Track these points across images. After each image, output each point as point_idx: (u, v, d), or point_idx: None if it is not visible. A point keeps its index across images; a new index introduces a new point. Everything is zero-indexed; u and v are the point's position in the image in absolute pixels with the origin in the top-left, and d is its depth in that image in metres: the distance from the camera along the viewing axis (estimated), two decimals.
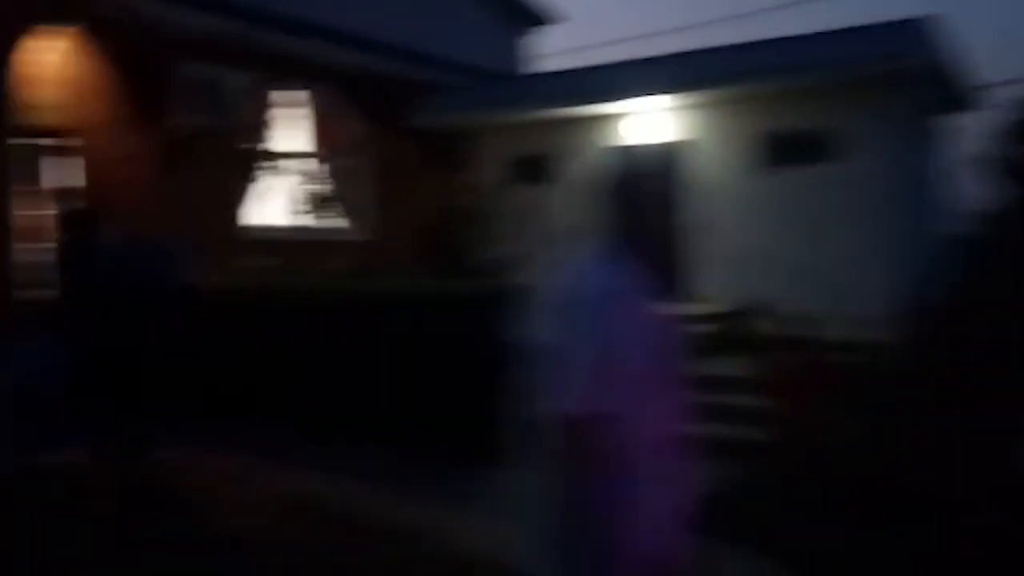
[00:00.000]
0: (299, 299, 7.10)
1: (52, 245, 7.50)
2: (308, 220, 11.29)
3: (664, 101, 10.89)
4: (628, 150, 11.19)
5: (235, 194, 10.84)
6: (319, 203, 10.98)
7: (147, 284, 5.58)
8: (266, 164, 10.62)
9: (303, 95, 11.64)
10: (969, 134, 10.99)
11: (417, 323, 5.87)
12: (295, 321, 7.12)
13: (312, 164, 11.66)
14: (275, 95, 10.87)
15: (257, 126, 10.67)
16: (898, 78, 9.50)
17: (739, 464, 5.52)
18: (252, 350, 7.26)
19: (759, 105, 10.46)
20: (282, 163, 10.99)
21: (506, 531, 2.35)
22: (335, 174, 12.00)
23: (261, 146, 10.77)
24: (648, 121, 11.19)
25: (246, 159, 10.63)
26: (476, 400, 5.60)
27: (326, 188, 11.45)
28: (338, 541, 4.72)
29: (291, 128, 11.60)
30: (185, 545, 4.53)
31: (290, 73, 11.07)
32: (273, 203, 11.32)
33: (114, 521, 4.85)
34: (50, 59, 9.57)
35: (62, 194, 10.68)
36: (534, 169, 11.96)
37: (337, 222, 11.66)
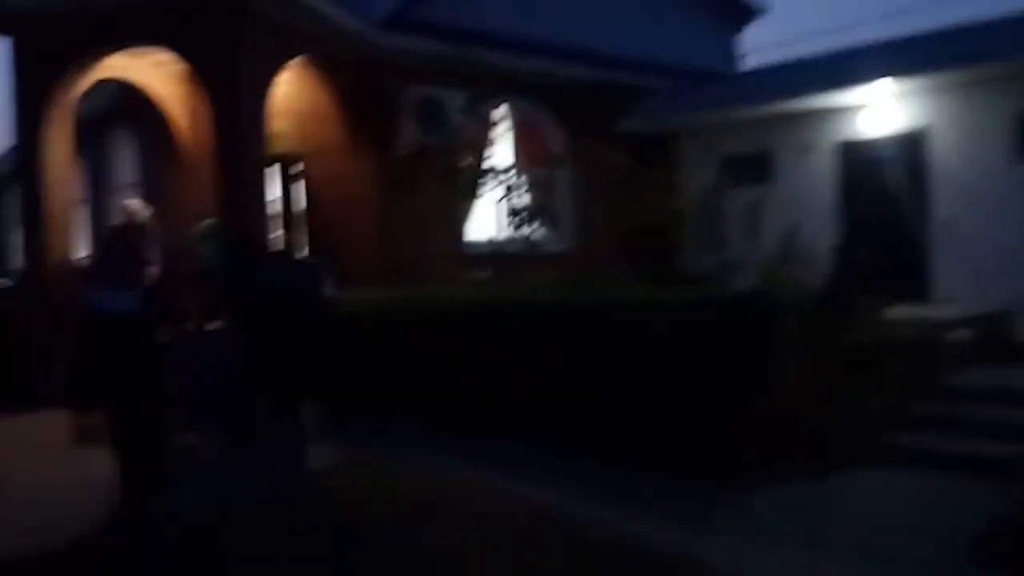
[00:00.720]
0: (518, 310, 7.13)
1: None
2: (516, 233, 11.45)
3: (899, 86, 9.94)
4: (858, 144, 10.36)
5: (454, 210, 11.21)
6: (527, 215, 11.08)
7: (294, 296, 6.20)
8: (483, 180, 10.87)
9: (507, 109, 11.84)
10: None
11: (644, 332, 5.65)
12: (513, 332, 7.16)
13: (517, 177, 11.81)
14: (487, 111, 11.13)
15: (475, 143, 10.96)
16: None
17: (1010, 487, 4.85)
18: (470, 360, 7.39)
19: (1013, 85, 9.29)
20: (493, 177, 11.21)
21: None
22: (539, 185, 12.08)
23: (479, 162, 11.05)
24: (879, 111, 10.29)
25: (465, 176, 10.95)
26: (709, 414, 5.31)
27: (532, 200, 11.55)
28: (596, 567, 4.43)
29: (498, 142, 11.84)
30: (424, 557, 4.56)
31: (499, 88, 11.30)
32: (486, 218, 11.60)
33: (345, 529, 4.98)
34: (283, 91, 10.44)
35: (292, 216, 11.60)
36: (751, 169, 11.38)
37: (544, 233, 11.72)
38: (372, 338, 7.69)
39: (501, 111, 11.52)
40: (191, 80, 11.20)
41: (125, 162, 12.90)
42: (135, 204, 8.58)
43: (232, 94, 8.58)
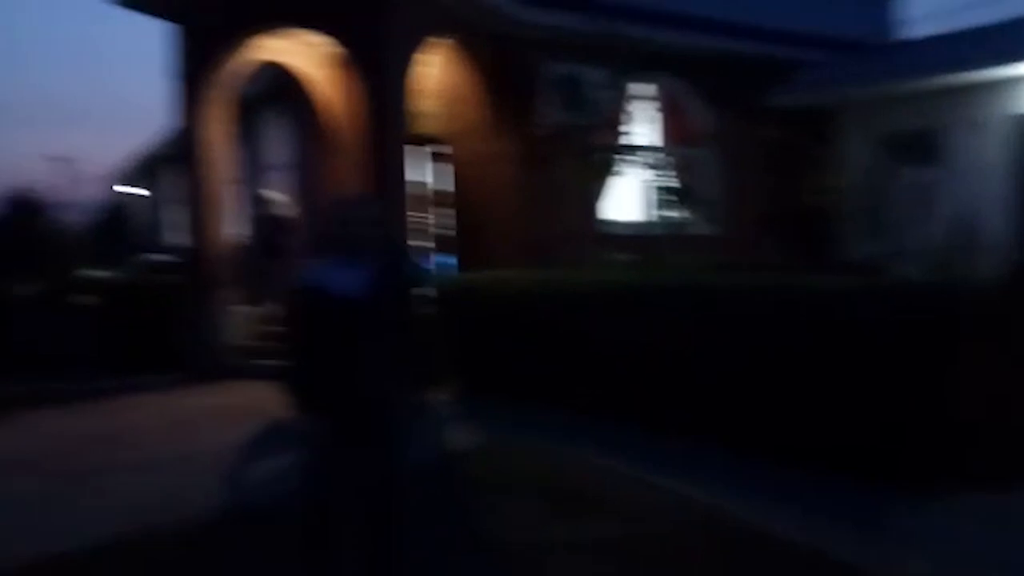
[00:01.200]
0: (668, 295, 6.86)
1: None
2: (659, 214, 11.11)
3: None
4: None
5: (594, 190, 11.00)
6: (672, 196, 10.72)
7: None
8: (624, 158, 10.59)
9: (652, 86, 11.46)
10: None
11: (816, 323, 5.27)
12: (663, 318, 6.90)
13: (662, 156, 11.44)
14: (629, 88, 10.81)
15: (616, 120, 10.69)
16: None
17: None
18: (613, 344, 7.19)
19: None
20: (635, 156, 10.90)
21: None
22: (684, 165, 11.66)
23: (619, 140, 10.78)
24: None
25: (606, 154, 10.71)
26: (894, 411, 4.91)
27: (677, 180, 11.16)
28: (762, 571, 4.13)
29: (641, 120, 11.50)
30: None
31: (643, 64, 10.94)
32: (626, 198, 11.31)
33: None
34: (426, 72, 10.49)
35: (438, 197, 11.72)
36: (916, 146, 10.57)
37: (688, 215, 11.33)
38: (509, 318, 7.64)
39: (644, 88, 11.17)
40: (339, 62, 11.49)
41: (278, 144, 13.38)
42: (272, 194, 8.98)
43: (376, 72, 8.70)
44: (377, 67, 8.68)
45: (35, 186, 15.61)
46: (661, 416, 6.29)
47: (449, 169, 11.46)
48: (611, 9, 10.05)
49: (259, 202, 9.74)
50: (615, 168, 10.69)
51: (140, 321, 10.30)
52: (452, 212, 11.46)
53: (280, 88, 12.43)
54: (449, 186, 11.50)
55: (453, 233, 11.42)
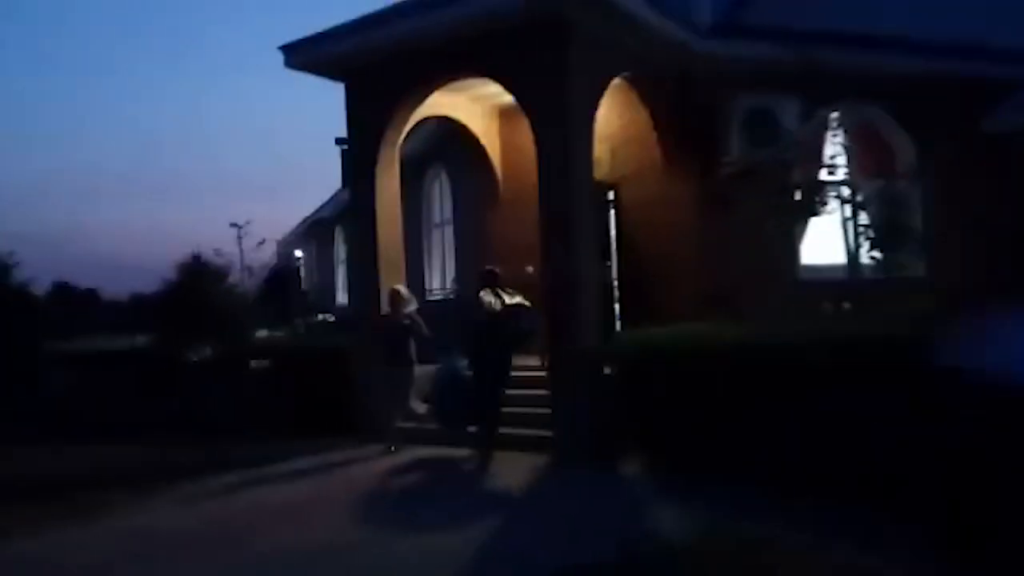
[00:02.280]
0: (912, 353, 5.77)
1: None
2: (866, 256, 9.87)
3: None
4: None
5: (789, 231, 9.95)
6: (879, 236, 9.48)
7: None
8: (823, 195, 9.50)
9: (851, 115, 10.31)
10: None
11: None
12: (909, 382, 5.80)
13: (861, 191, 10.22)
14: (827, 118, 9.75)
15: (812, 154, 9.65)
16: None
17: None
18: (818, 414, 6.13)
19: None
20: (835, 192, 9.77)
21: None
22: (888, 200, 10.37)
23: (817, 176, 9.72)
24: None
25: (800, 193, 9.67)
26: None
27: (883, 217, 9.90)
28: None
29: (838, 153, 10.35)
30: None
31: (836, 91, 9.86)
32: (824, 239, 10.14)
33: None
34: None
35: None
36: None
37: (898, 256, 10.00)
38: (705, 380, 6.75)
39: (842, 117, 10.05)
40: (508, 114, 11.16)
41: (441, 200, 13.17)
42: (402, 289, 8.64)
43: (559, 119, 8.10)
44: (560, 114, 8.08)
45: (208, 251, 16.33)
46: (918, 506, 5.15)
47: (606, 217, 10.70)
48: (807, 36, 9.12)
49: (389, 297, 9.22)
50: (814, 206, 9.60)
51: (313, 384, 10.09)
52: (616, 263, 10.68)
53: (444, 144, 12.25)
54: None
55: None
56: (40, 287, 17.86)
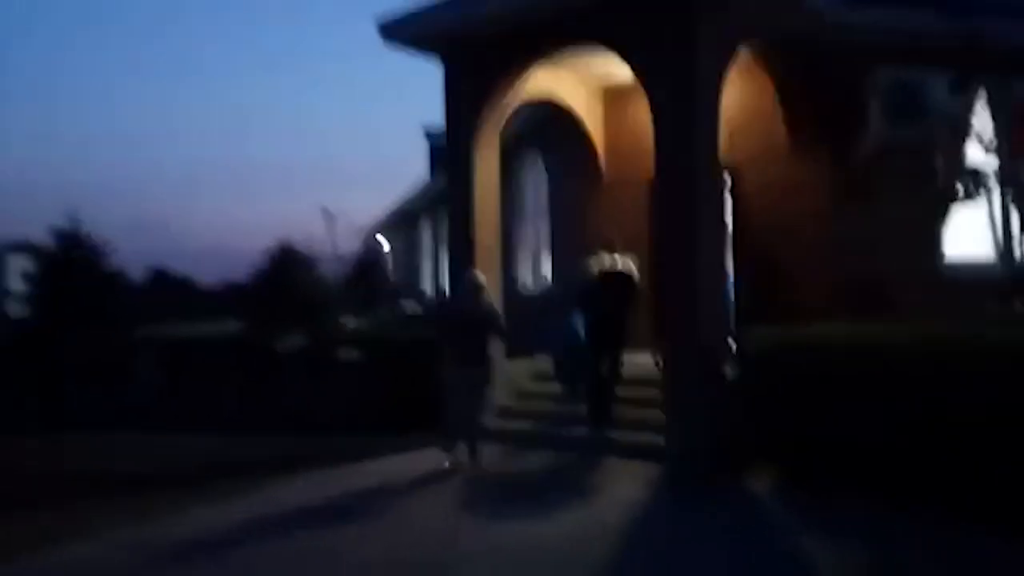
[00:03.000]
0: None
1: None
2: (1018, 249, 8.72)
3: None
4: None
5: (933, 223, 8.88)
6: None
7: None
8: (976, 182, 8.42)
9: (997, 90, 9.10)
10: None
11: None
12: None
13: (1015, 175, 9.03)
14: (980, 95, 8.62)
15: (962, 136, 8.56)
16: None
17: None
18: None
19: None
20: (990, 179, 8.65)
21: None
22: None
23: (966, 160, 8.63)
24: None
25: (948, 178, 8.60)
26: None
27: None
28: None
29: (989, 135, 9.17)
30: None
31: (989, 65, 8.70)
32: (975, 231, 9.01)
33: None
34: None
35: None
36: None
37: None
38: (851, 386, 5.85)
39: (989, 94, 8.89)
40: (614, 95, 10.37)
41: (536, 189, 12.48)
42: (479, 275, 7.81)
43: (684, 92, 7.26)
44: (685, 86, 7.24)
45: (299, 240, 16.10)
46: None
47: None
48: (961, 4, 8.04)
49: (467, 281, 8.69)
50: (967, 192, 8.52)
51: (401, 378, 9.55)
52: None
53: (542, 128, 11.53)
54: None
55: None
56: (137, 274, 18.07)
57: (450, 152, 9.13)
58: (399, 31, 8.86)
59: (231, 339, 12.55)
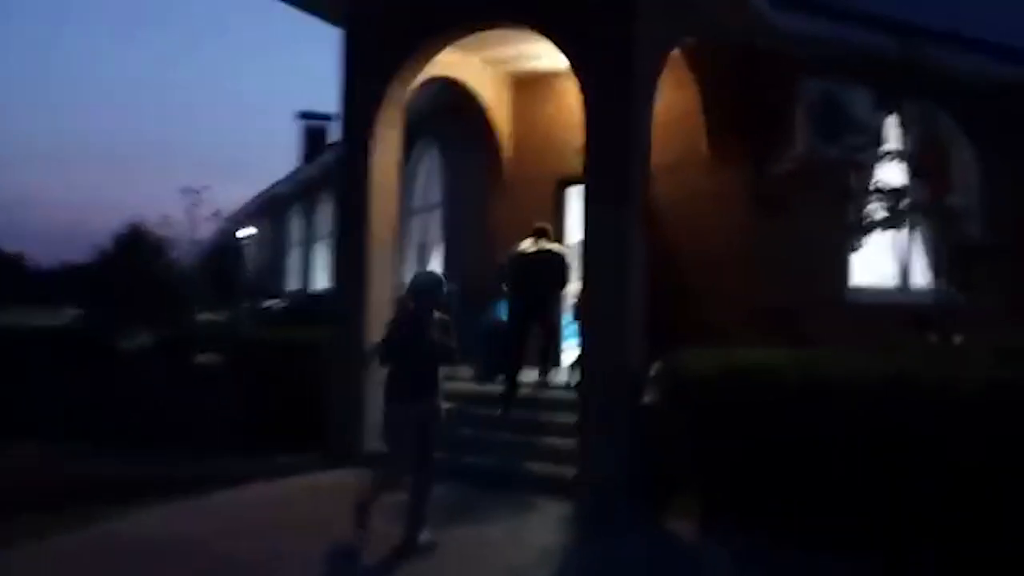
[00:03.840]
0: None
1: None
2: (937, 279, 8.61)
3: None
4: None
5: (843, 246, 8.61)
6: (957, 256, 8.21)
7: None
8: (892, 205, 8.19)
9: (910, 113, 9.00)
10: None
11: None
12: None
13: (946, 204, 8.92)
14: (888, 113, 8.42)
15: (876, 156, 8.33)
16: None
17: None
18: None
19: None
20: (904, 203, 8.47)
21: None
22: (949, 216, 9.11)
23: (879, 181, 8.40)
24: None
25: (862, 199, 8.34)
26: None
27: (952, 235, 8.63)
28: None
29: (898, 158, 9.04)
30: None
31: (902, 87, 8.54)
32: (882, 257, 8.83)
33: None
34: None
35: None
36: None
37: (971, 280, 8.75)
38: (777, 417, 5.32)
39: (907, 117, 8.74)
40: (524, 84, 9.60)
41: (427, 181, 11.52)
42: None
43: (624, 86, 6.55)
44: (625, 81, 6.52)
45: (154, 221, 14.29)
46: None
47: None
48: (903, 25, 7.79)
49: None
50: (882, 217, 8.29)
51: (273, 386, 8.33)
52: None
53: (442, 113, 10.59)
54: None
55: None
56: None
57: (346, 133, 8.06)
58: None
59: (64, 332, 10.79)
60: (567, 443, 6.77)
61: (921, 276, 9.09)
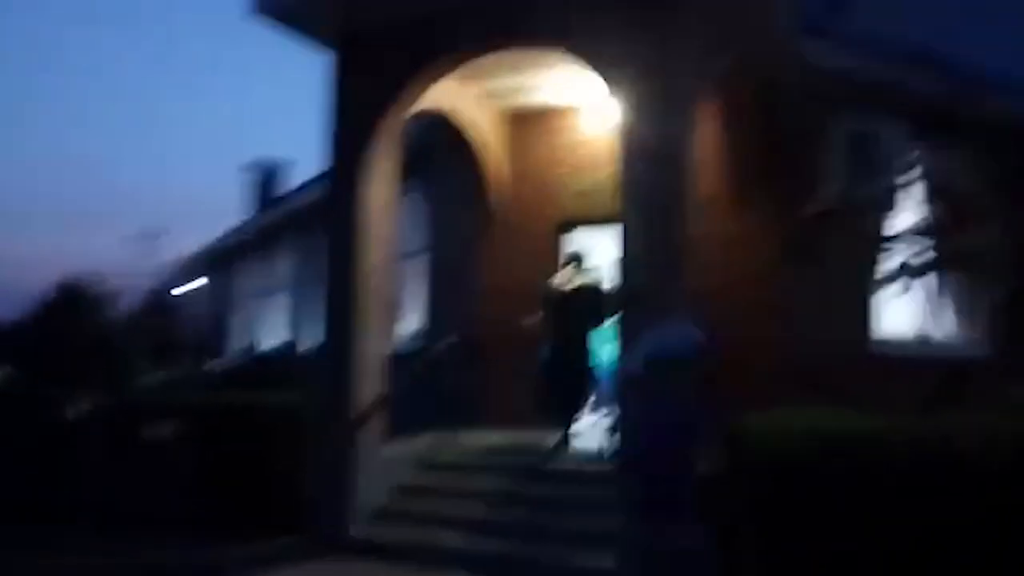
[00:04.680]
0: None
1: None
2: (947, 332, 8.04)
3: None
4: None
5: (870, 295, 7.97)
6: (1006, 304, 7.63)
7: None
8: (916, 249, 7.62)
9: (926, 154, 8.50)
10: None
11: None
12: None
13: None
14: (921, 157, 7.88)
15: (906, 197, 7.77)
16: None
17: None
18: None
19: None
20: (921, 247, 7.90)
21: None
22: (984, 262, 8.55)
23: (910, 225, 7.83)
24: None
25: (891, 245, 7.75)
26: None
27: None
28: None
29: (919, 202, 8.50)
30: None
31: (930, 127, 8.02)
32: (900, 305, 8.21)
33: None
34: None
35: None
36: None
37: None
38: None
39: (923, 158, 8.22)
40: (524, 120, 8.81)
41: (411, 223, 10.52)
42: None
43: (662, 111, 5.79)
44: (665, 104, 5.77)
45: (92, 275, 12.98)
46: None
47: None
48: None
49: None
50: (916, 263, 7.68)
51: (243, 459, 7.14)
52: None
53: (422, 154, 9.68)
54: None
55: None
56: None
57: (334, 164, 7.08)
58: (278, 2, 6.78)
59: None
60: (599, 524, 5.75)
61: (949, 327, 8.54)
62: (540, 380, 7.30)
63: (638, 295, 5.81)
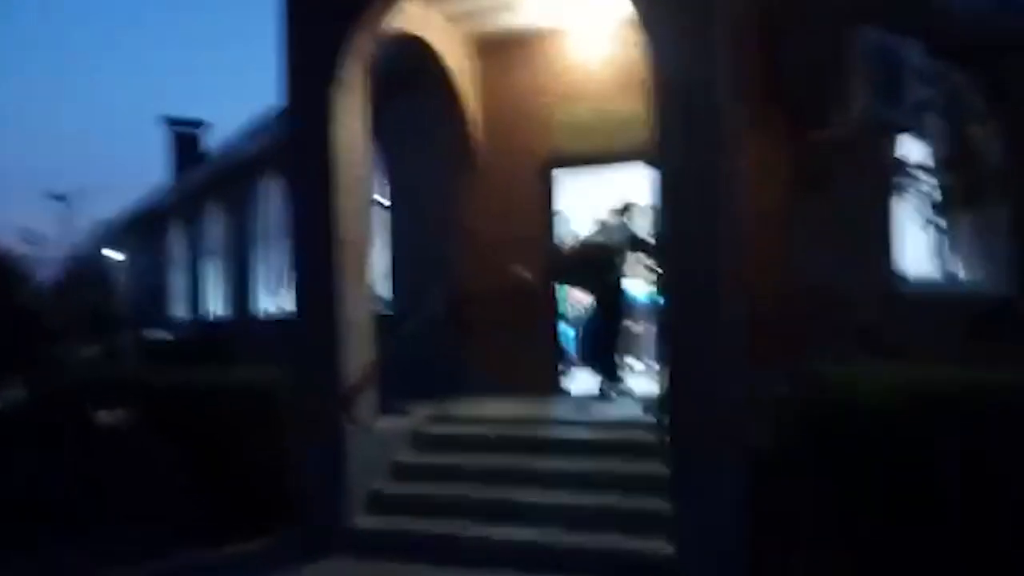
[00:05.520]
0: None
1: None
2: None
3: None
4: None
5: (889, 230, 7.36)
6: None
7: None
8: (938, 183, 7.05)
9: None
10: None
11: None
12: None
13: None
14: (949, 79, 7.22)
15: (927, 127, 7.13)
16: None
17: None
18: None
19: None
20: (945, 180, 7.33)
21: None
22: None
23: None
24: None
25: (911, 176, 7.15)
26: None
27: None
28: None
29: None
30: None
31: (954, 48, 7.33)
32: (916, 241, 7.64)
33: None
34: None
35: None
36: None
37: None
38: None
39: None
40: (494, 49, 7.85)
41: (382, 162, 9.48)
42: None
43: (707, 36, 4.98)
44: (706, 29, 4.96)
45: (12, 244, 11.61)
46: None
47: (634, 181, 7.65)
48: None
49: None
50: (939, 196, 7.12)
51: (210, 448, 6.17)
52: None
53: (389, 90, 8.62)
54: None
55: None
56: None
57: (293, 95, 6.03)
58: None
59: None
60: (652, 505, 5.03)
61: (972, 265, 8.00)
62: (585, 335, 7.94)
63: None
